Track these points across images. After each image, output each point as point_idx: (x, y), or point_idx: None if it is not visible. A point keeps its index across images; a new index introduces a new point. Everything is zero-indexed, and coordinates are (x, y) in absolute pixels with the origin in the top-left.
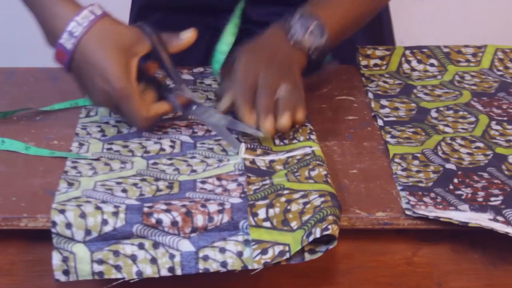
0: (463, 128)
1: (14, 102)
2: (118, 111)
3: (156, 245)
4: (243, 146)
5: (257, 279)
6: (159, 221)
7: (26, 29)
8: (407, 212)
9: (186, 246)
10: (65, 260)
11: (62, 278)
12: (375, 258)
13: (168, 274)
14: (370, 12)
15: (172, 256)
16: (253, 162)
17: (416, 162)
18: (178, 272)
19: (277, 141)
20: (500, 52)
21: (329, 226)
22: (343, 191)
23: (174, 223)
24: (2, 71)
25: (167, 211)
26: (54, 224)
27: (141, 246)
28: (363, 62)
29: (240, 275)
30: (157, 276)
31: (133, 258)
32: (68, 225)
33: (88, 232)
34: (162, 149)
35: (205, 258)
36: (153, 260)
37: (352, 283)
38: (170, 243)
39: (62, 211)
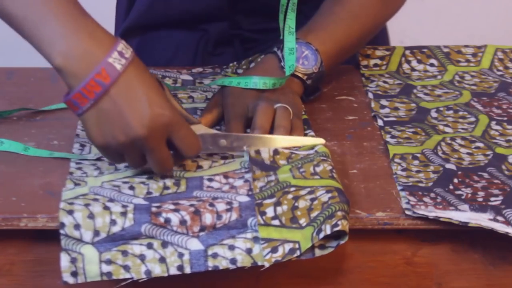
0: (463, 128)
1: (14, 102)
2: (158, 145)
3: (164, 244)
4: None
5: (256, 278)
6: (167, 220)
7: None
8: (407, 212)
9: (195, 244)
10: (73, 261)
11: (71, 280)
12: (375, 258)
13: (177, 272)
14: (366, 37)
15: (181, 255)
16: (258, 152)
17: (416, 162)
18: (187, 270)
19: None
20: (500, 52)
21: (339, 222)
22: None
23: (182, 222)
24: (2, 71)
25: (176, 210)
26: (62, 225)
27: (149, 246)
28: (363, 62)
29: (240, 275)
30: (166, 275)
31: (142, 257)
32: (77, 226)
33: (96, 232)
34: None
35: (214, 255)
36: (162, 259)
37: (352, 283)
38: (179, 242)
39: (70, 212)
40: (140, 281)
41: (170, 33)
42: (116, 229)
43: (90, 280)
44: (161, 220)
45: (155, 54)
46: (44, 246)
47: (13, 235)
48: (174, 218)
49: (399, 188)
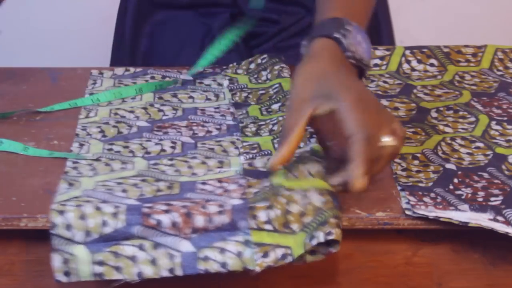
0: (463, 128)
1: (14, 102)
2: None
3: (156, 246)
4: (241, 158)
5: (256, 279)
6: (159, 222)
7: (26, 29)
8: (407, 212)
9: (187, 246)
10: (65, 261)
11: (64, 279)
12: (375, 258)
13: (169, 275)
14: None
15: (172, 257)
16: (251, 164)
17: (416, 162)
18: (179, 272)
19: (276, 145)
20: (500, 52)
21: (333, 231)
22: None
23: (174, 224)
24: (2, 71)
25: (167, 211)
26: (53, 225)
27: (141, 247)
28: None
29: (239, 275)
30: (157, 277)
31: (134, 259)
32: (68, 227)
33: (88, 233)
34: (163, 150)
35: (205, 258)
36: (154, 261)
37: (352, 283)
38: (171, 244)
39: (61, 212)
40: (133, 282)
41: (177, 29)
42: (108, 230)
43: (83, 280)
44: (153, 222)
45: (162, 52)
46: (44, 246)
47: (13, 235)
48: (166, 220)
49: (399, 188)
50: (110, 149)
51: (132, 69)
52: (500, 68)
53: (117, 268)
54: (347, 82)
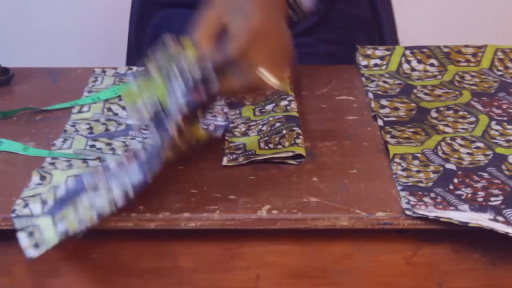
0: (463, 128)
1: (14, 102)
2: None
3: (109, 189)
4: (225, 160)
5: (256, 279)
6: (106, 168)
7: (26, 29)
8: (407, 212)
9: (136, 174)
10: (31, 234)
11: (34, 254)
12: (375, 258)
13: (122, 203)
14: None
15: (124, 185)
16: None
17: (416, 162)
18: (131, 194)
19: (262, 144)
20: (500, 52)
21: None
22: (343, 191)
23: (120, 164)
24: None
25: (112, 151)
26: (13, 211)
27: (96, 194)
28: (363, 62)
29: (240, 275)
30: (114, 209)
31: (92, 205)
32: (26, 205)
33: (44, 202)
34: (144, 148)
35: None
36: (110, 201)
37: (352, 283)
38: (121, 178)
39: (25, 206)
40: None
41: (180, 30)
42: (60, 192)
43: (51, 246)
44: (100, 169)
45: None
46: None
47: (13, 235)
48: (111, 164)
49: (399, 188)
50: (93, 146)
51: (134, 68)
52: (500, 68)
53: (79, 220)
54: (263, 8)
